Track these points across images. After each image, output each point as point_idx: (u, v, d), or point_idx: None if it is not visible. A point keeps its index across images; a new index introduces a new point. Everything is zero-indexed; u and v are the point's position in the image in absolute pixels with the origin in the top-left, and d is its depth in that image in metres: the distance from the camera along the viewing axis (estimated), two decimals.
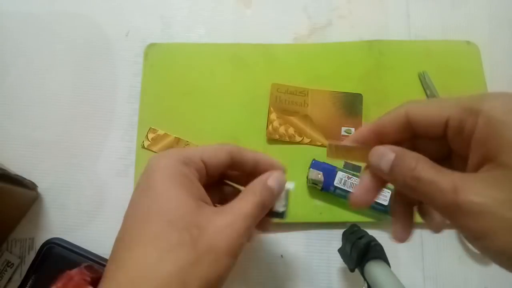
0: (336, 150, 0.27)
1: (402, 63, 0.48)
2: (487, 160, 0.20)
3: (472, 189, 0.19)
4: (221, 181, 0.33)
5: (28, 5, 0.50)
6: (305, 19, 0.51)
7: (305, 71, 0.48)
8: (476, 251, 0.42)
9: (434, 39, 0.49)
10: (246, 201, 0.26)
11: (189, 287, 0.21)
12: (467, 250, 0.42)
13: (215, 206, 0.28)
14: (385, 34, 0.50)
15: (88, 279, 0.37)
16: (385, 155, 0.23)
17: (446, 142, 0.24)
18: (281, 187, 0.29)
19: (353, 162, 0.28)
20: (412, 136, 0.25)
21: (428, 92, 0.46)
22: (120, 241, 0.24)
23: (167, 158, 0.26)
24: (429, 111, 0.23)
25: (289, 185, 0.32)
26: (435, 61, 0.48)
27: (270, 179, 0.28)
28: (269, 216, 0.31)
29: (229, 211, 0.25)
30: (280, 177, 0.29)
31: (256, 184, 0.28)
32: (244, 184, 0.31)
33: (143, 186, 0.26)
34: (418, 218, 0.43)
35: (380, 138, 0.25)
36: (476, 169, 0.21)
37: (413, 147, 0.24)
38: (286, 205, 0.32)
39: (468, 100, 0.22)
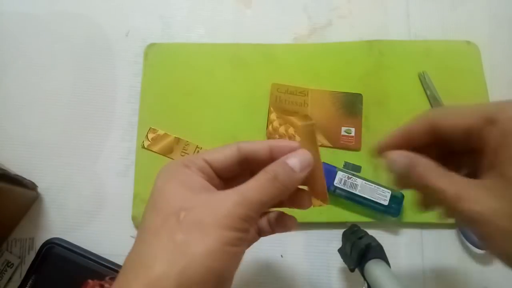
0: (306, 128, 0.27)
1: (402, 63, 0.48)
2: (493, 168, 0.22)
3: (472, 198, 0.22)
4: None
5: (28, 5, 0.50)
6: (305, 19, 0.51)
7: (305, 71, 0.48)
8: (476, 251, 0.42)
9: (434, 39, 0.49)
10: (253, 179, 0.24)
11: (175, 266, 0.21)
12: (467, 250, 0.42)
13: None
14: (385, 34, 0.50)
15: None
16: (399, 161, 0.25)
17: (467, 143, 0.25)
18: (306, 166, 0.25)
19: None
20: (436, 140, 0.26)
21: (428, 92, 0.46)
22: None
23: (169, 163, 0.26)
24: (453, 119, 0.25)
25: None
26: (435, 61, 0.48)
27: (291, 158, 0.25)
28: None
29: (228, 190, 0.23)
30: (304, 155, 0.25)
31: (271, 164, 0.25)
32: None
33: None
34: (418, 219, 0.43)
35: (407, 141, 0.27)
36: (484, 173, 0.23)
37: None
38: None
39: (488, 108, 0.23)
